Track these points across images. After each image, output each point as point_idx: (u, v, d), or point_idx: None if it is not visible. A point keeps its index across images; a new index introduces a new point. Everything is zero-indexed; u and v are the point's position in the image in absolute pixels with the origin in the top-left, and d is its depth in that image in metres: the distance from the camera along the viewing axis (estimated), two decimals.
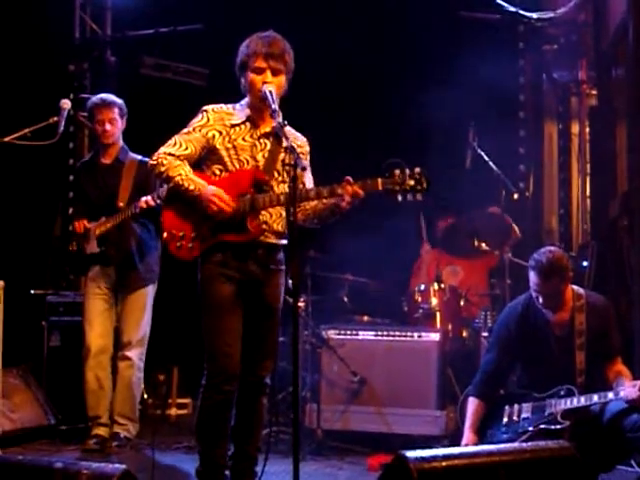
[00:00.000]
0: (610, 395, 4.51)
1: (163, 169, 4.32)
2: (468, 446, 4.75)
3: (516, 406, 4.87)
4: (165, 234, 4.42)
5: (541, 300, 4.81)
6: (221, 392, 4.32)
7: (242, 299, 4.40)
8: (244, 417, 4.49)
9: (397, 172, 4.14)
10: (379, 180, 4.16)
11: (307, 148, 4.60)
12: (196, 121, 4.43)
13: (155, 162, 4.35)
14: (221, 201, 4.25)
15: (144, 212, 5.78)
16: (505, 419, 4.88)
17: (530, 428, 4.73)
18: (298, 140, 4.53)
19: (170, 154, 4.35)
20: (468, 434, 4.92)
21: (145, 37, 8.27)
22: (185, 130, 4.43)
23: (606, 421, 4.61)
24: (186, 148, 4.37)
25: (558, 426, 4.62)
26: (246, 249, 4.36)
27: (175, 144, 4.38)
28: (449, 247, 7.63)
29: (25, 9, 7.69)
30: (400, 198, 4.15)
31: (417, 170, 4.15)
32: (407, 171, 4.14)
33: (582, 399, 4.60)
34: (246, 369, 4.44)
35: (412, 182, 4.13)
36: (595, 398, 4.57)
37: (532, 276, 4.80)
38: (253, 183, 4.34)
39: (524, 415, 4.80)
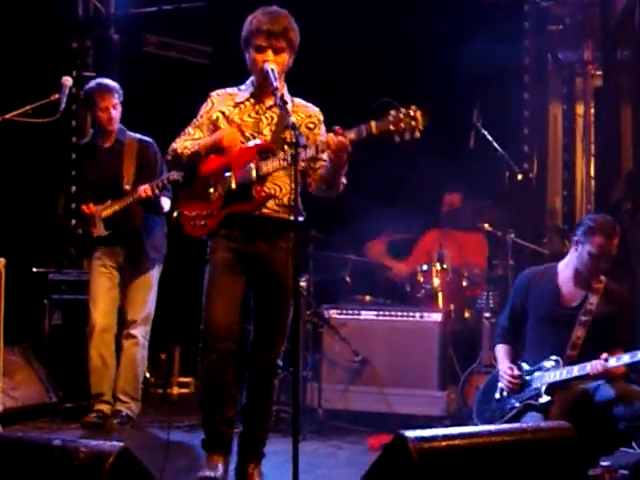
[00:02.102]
0: (588, 368, 4.53)
1: (173, 154, 4.43)
2: (509, 371, 4.85)
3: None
4: (178, 216, 4.48)
5: (596, 263, 4.78)
6: (215, 350, 4.30)
7: (250, 282, 4.41)
8: (254, 398, 4.49)
9: (392, 112, 3.98)
10: (373, 124, 4.02)
11: (320, 117, 4.55)
12: (203, 107, 4.53)
13: (169, 151, 4.47)
14: (229, 137, 4.32)
15: (142, 202, 5.79)
16: (497, 395, 4.95)
17: (517, 404, 4.79)
18: (309, 110, 4.52)
19: (179, 141, 4.45)
20: (503, 364, 4.96)
21: (148, 15, 8.25)
22: (194, 120, 4.52)
23: (598, 408, 4.61)
24: (194, 133, 4.47)
25: (541, 401, 4.67)
26: (253, 224, 4.36)
27: (185, 133, 4.50)
28: (452, 223, 7.61)
29: None
30: (397, 139, 4.00)
31: (413, 107, 3.99)
32: (402, 110, 3.99)
33: (564, 372, 4.64)
34: (256, 350, 4.45)
35: (408, 120, 3.97)
36: (575, 370, 4.60)
37: (595, 239, 4.75)
38: (258, 151, 4.33)
39: (513, 391, 4.85)
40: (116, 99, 6.02)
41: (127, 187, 5.90)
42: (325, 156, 4.27)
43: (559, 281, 4.94)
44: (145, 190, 5.74)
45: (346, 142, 4.08)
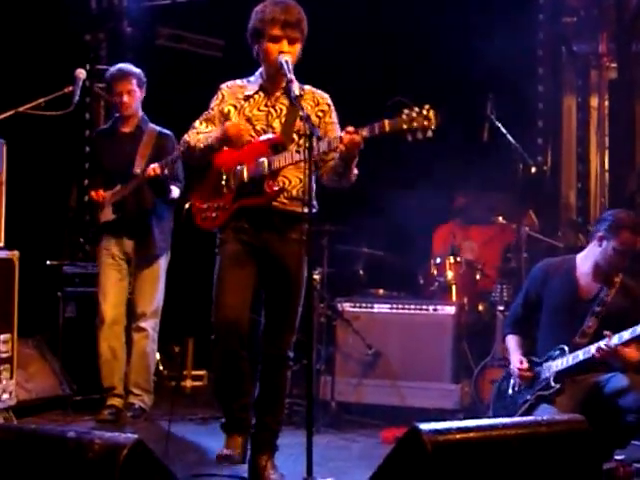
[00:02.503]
0: (592, 349, 4.53)
1: (185, 147, 4.45)
2: (519, 364, 4.84)
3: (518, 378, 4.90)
4: (190, 207, 4.50)
5: (620, 259, 4.76)
6: (227, 344, 4.31)
7: (262, 274, 4.41)
8: (266, 390, 4.49)
9: (405, 111, 3.99)
10: (386, 122, 4.03)
11: (329, 101, 4.54)
12: (213, 100, 4.54)
13: (182, 142, 4.50)
14: (238, 129, 4.32)
15: (152, 183, 5.78)
16: (510, 390, 4.95)
17: (528, 397, 4.79)
18: (317, 97, 4.51)
19: (191, 134, 4.46)
20: (514, 357, 4.94)
21: (161, 7, 8.24)
22: (205, 112, 4.53)
23: (608, 399, 4.59)
24: (207, 127, 4.47)
25: (551, 390, 4.67)
26: (261, 216, 4.36)
27: (195, 127, 4.50)
28: (466, 217, 7.60)
29: None
30: (410, 138, 4.00)
31: (426, 106, 3.98)
32: (416, 109, 3.99)
33: (570, 358, 4.64)
34: (267, 342, 4.45)
35: (421, 119, 3.97)
36: (581, 355, 4.60)
37: (622, 235, 4.73)
38: (271, 146, 4.34)
39: (525, 385, 4.85)
40: (133, 85, 5.99)
41: (137, 170, 5.87)
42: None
43: (577, 274, 4.91)
44: (153, 169, 5.73)
45: (359, 140, 4.08)
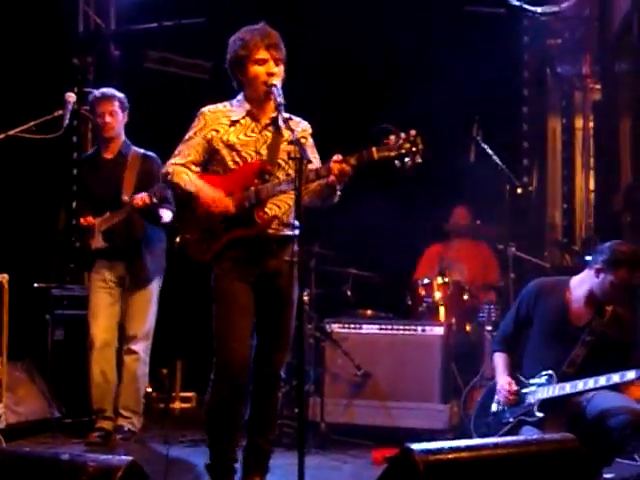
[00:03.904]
0: (579, 385, 4.55)
1: (169, 177, 4.41)
2: (507, 386, 4.85)
3: None
4: (181, 240, 4.47)
5: (617, 293, 4.75)
6: (228, 386, 4.33)
7: (255, 295, 4.41)
8: (258, 410, 4.49)
9: (392, 137, 4.01)
10: (373, 149, 4.04)
11: (309, 130, 4.57)
12: (194, 125, 4.48)
13: (165, 172, 4.46)
14: (220, 204, 4.29)
15: (141, 211, 5.80)
16: (493, 407, 4.95)
17: (511, 419, 4.80)
18: (300, 125, 4.52)
19: (175, 163, 4.43)
20: (502, 377, 4.95)
21: (149, 31, 8.28)
22: (186, 136, 4.49)
23: (590, 418, 4.60)
24: (189, 154, 4.44)
25: (535, 418, 4.68)
26: (258, 245, 4.37)
27: (179, 153, 4.46)
28: (454, 232, 7.64)
29: (29, 2, 7.68)
30: (398, 164, 4.01)
31: (412, 132, 4.00)
32: (402, 135, 4.00)
33: (557, 388, 4.65)
34: (261, 362, 4.45)
35: (408, 145, 3.98)
36: (567, 388, 4.62)
37: (620, 272, 4.70)
38: (257, 175, 4.34)
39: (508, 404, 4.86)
40: (115, 107, 6.02)
41: (126, 198, 5.88)
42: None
43: (570, 298, 4.90)
44: (142, 198, 5.74)
45: (349, 170, 4.09)
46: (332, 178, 4.11)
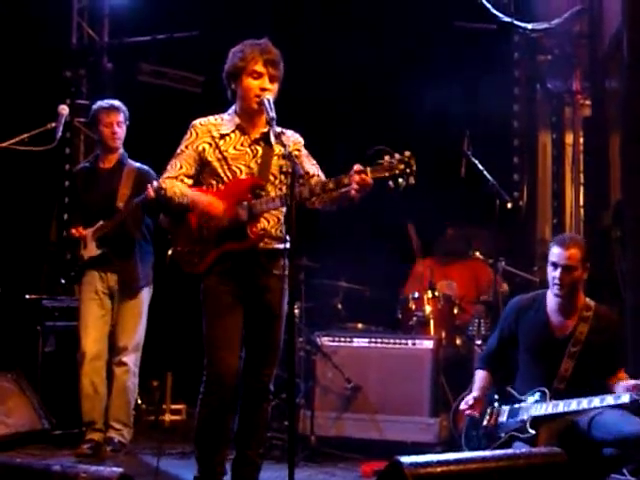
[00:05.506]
0: (573, 404, 4.54)
1: (163, 193, 4.43)
2: (470, 401, 4.86)
3: (496, 408, 4.90)
4: (173, 253, 4.50)
5: (557, 280, 4.76)
6: (218, 399, 4.35)
7: (244, 307, 4.43)
8: (247, 422, 4.51)
9: (386, 158, 4.03)
10: (368, 169, 4.06)
11: (302, 142, 4.60)
12: (186, 138, 4.52)
13: (158, 187, 4.48)
14: (217, 205, 4.32)
15: (147, 206, 5.78)
16: (485, 421, 4.92)
17: (502, 435, 4.78)
18: (292, 138, 4.54)
19: (168, 177, 4.46)
20: (470, 395, 4.95)
21: (142, 44, 8.31)
22: (178, 150, 4.52)
23: (582, 434, 4.57)
24: (181, 167, 4.46)
25: (527, 435, 4.65)
26: (247, 258, 4.39)
27: (171, 167, 4.49)
28: (443, 251, 7.66)
29: (22, 15, 7.70)
30: (392, 184, 4.03)
31: (407, 153, 4.03)
32: (397, 155, 4.03)
33: (550, 406, 4.64)
34: (249, 375, 4.48)
35: (402, 166, 4.01)
36: (561, 406, 4.60)
37: (553, 250, 4.78)
38: (250, 190, 4.37)
39: (500, 419, 4.84)
40: (121, 118, 6.06)
41: (120, 204, 5.89)
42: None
43: (548, 310, 4.90)
44: (153, 189, 5.73)
45: (370, 181, 4.06)
46: (353, 193, 4.10)
